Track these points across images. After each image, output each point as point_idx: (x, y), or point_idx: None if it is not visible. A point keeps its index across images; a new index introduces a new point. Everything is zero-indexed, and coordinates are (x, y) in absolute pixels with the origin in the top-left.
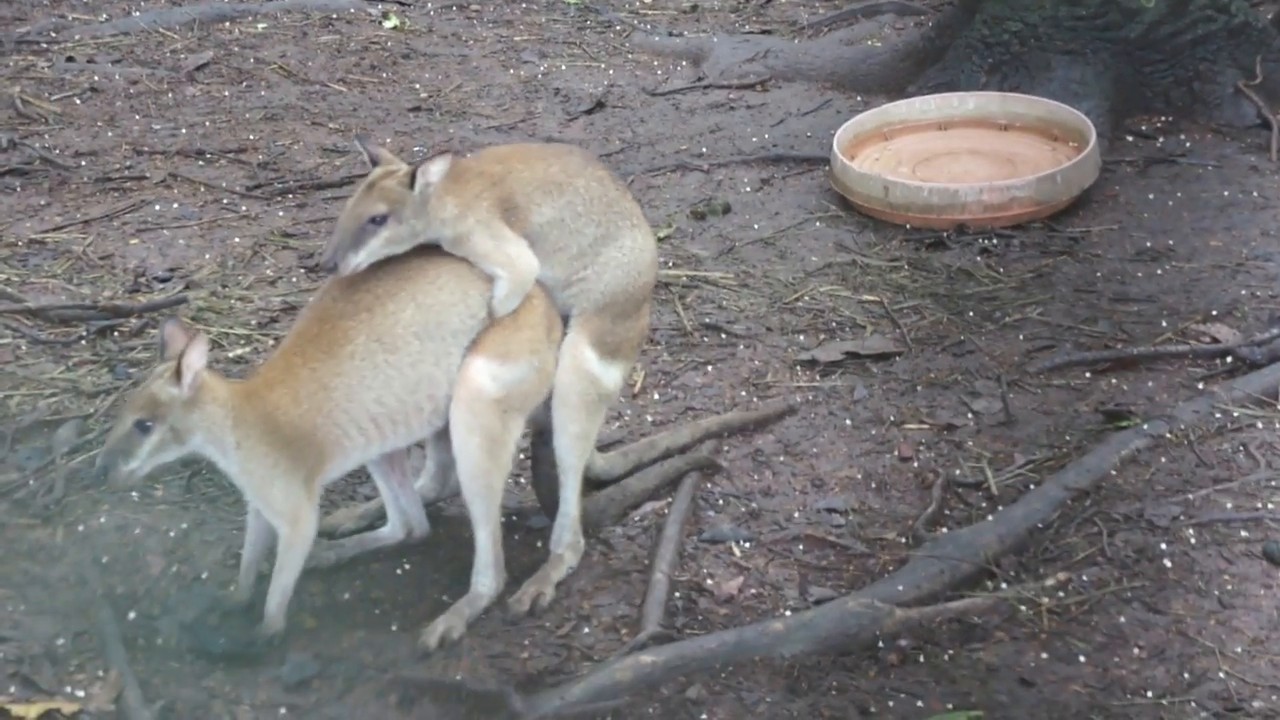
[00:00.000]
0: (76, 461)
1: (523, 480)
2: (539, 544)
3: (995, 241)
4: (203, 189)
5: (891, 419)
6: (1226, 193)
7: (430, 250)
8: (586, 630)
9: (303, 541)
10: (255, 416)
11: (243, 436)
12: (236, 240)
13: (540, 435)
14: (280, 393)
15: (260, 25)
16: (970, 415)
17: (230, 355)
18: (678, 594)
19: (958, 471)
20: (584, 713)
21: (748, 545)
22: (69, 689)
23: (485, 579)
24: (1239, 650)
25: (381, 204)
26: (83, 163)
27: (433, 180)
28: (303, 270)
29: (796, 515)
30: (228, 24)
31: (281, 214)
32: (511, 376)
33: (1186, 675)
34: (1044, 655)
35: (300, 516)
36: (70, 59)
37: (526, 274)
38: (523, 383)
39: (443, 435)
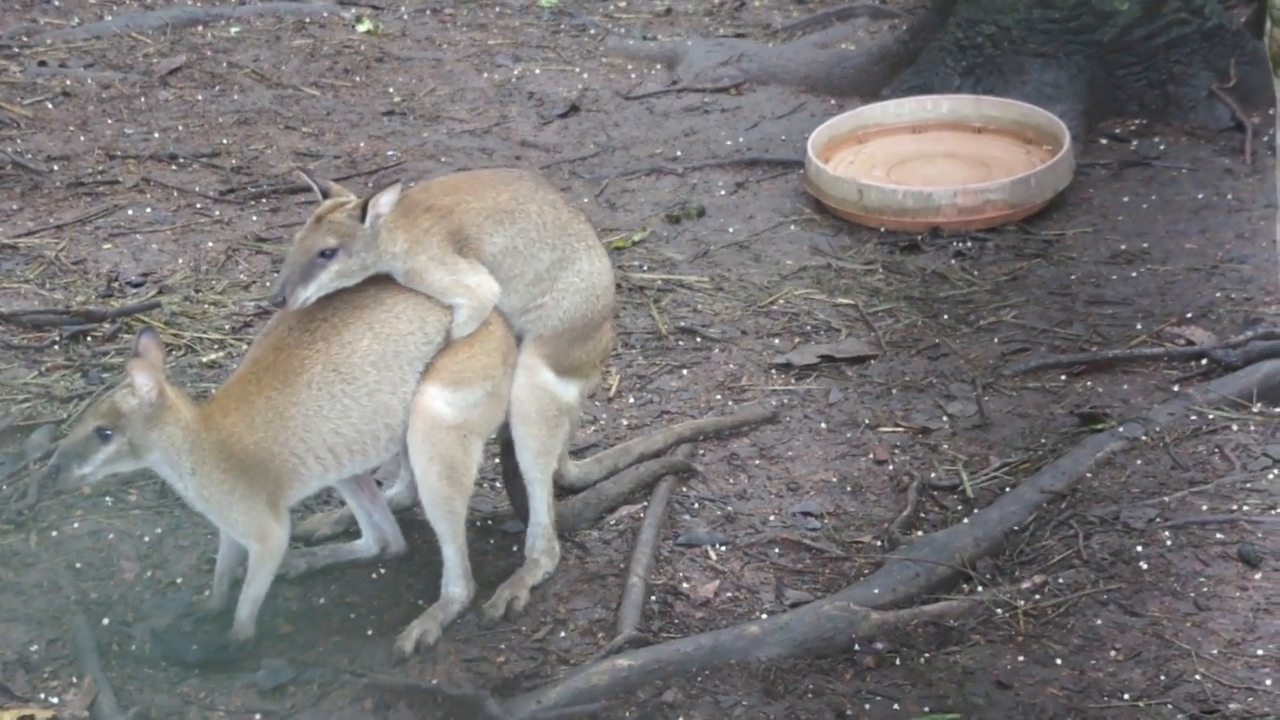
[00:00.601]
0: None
1: (498, 485)
2: (515, 548)
3: (970, 244)
4: (175, 193)
5: (867, 422)
6: (1201, 195)
7: (386, 278)
8: (563, 634)
9: (272, 556)
10: (211, 443)
11: (198, 462)
12: (210, 245)
13: (508, 446)
14: (235, 420)
15: (233, 29)
16: (945, 418)
17: (204, 360)
18: (654, 598)
19: (933, 475)
20: (560, 717)
21: (723, 549)
22: (43, 695)
23: (456, 587)
24: (1215, 652)
25: (331, 237)
26: (55, 167)
27: (383, 212)
28: (276, 275)
29: (772, 519)
30: (200, 28)
31: (255, 218)
32: (466, 402)
33: (1163, 677)
34: (1020, 658)
35: (268, 533)
36: (42, 63)
37: (487, 300)
38: (478, 407)
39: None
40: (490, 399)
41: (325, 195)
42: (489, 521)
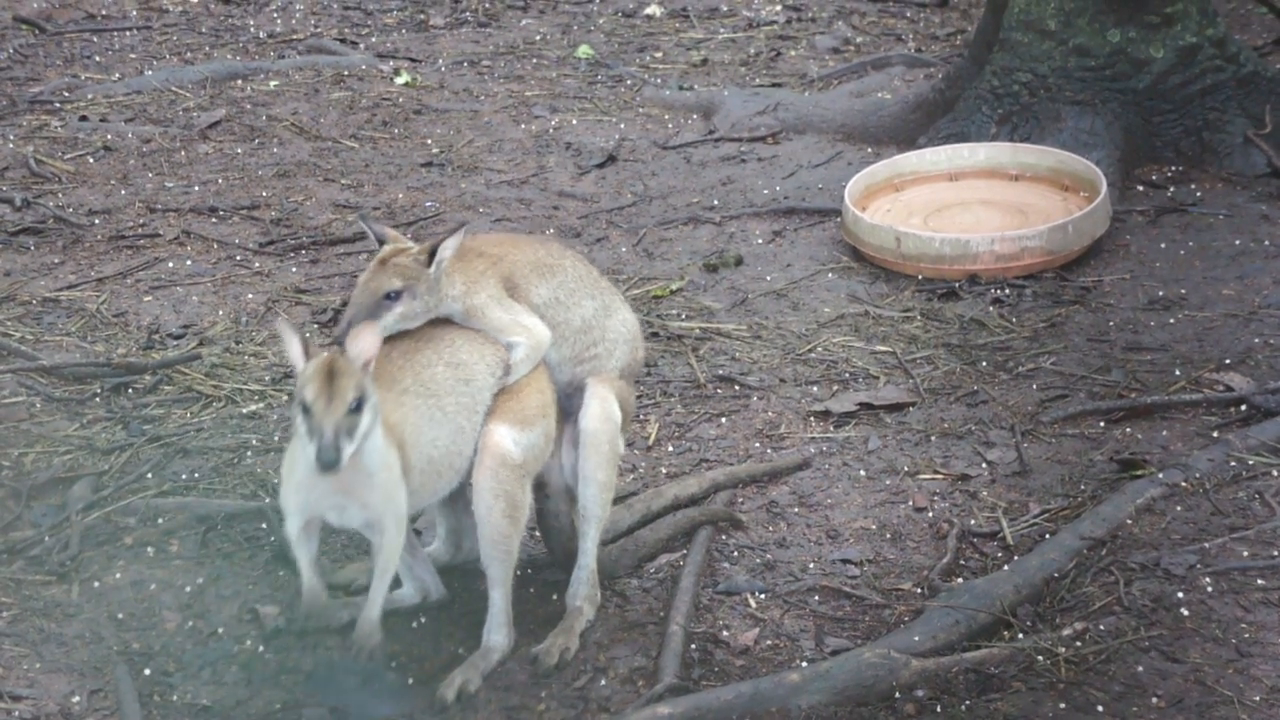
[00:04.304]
0: (92, 518)
1: (536, 534)
2: (554, 596)
3: (1007, 291)
4: (216, 246)
5: (906, 469)
6: (1238, 241)
7: (434, 321)
8: (603, 682)
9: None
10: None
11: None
12: (250, 296)
13: (540, 490)
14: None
15: (272, 83)
16: (985, 465)
17: (245, 411)
18: (694, 645)
19: (973, 521)
20: None
21: (763, 596)
22: None
23: (499, 635)
24: (1257, 699)
25: (397, 279)
26: (96, 221)
27: (447, 256)
28: (316, 325)
29: (812, 566)
30: (239, 82)
31: (294, 270)
32: (530, 441)
33: None
34: (1062, 705)
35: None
36: (83, 118)
37: (543, 340)
38: (536, 446)
39: (451, 501)
40: (544, 438)
41: (381, 241)
42: (528, 570)
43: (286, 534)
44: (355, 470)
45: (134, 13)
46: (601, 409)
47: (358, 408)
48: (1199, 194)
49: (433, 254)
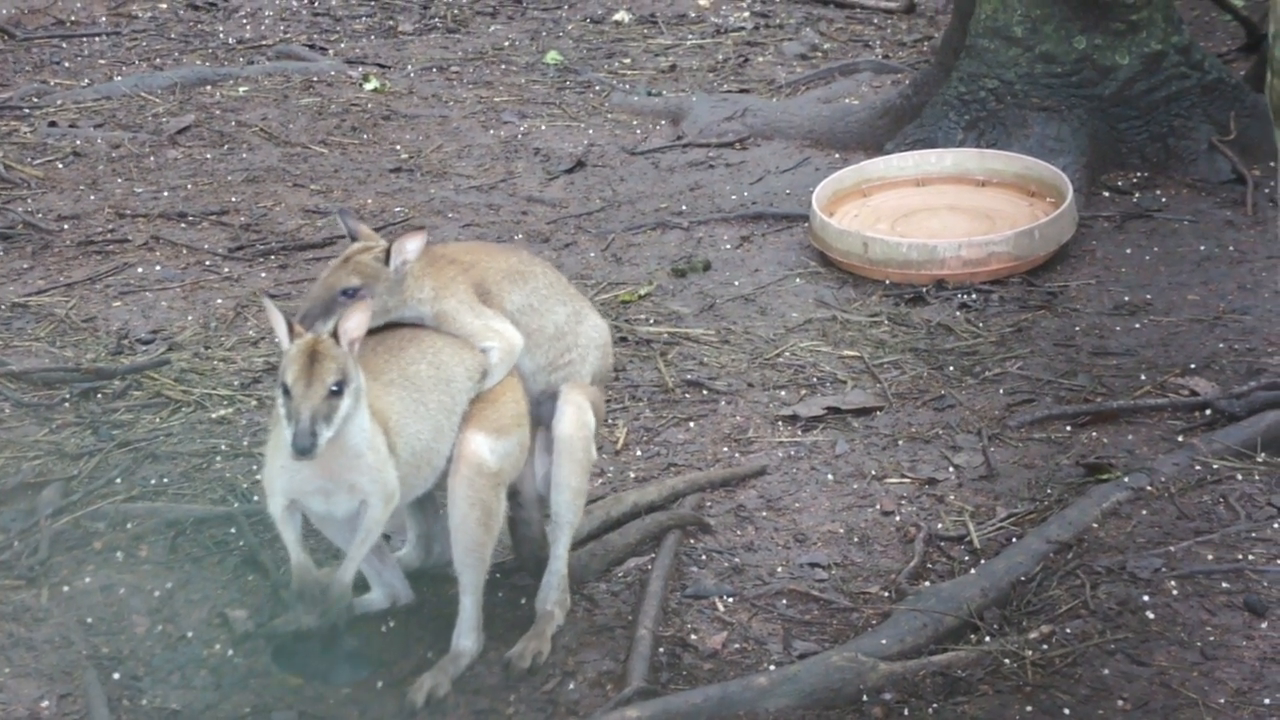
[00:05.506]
0: (61, 523)
1: (506, 540)
2: (523, 601)
3: (974, 296)
4: (185, 251)
5: (873, 473)
6: (1203, 247)
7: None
8: (571, 686)
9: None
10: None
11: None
12: (219, 301)
13: (513, 498)
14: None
15: (241, 89)
16: (951, 469)
17: (214, 416)
18: (662, 649)
19: (940, 525)
20: None
21: (731, 600)
22: None
23: (468, 640)
24: (1222, 701)
25: (355, 278)
26: (65, 226)
27: (409, 257)
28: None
29: (779, 570)
30: (209, 88)
31: (264, 275)
32: (505, 450)
33: None
34: (1028, 708)
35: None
36: (53, 124)
37: (515, 345)
38: (511, 455)
39: (422, 505)
40: (520, 447)
41: (354, 238)
42: (496, 575)
43: (270, 513)
44: (340, 453)
45: (103, 19)
46: (576, 416)
47: (339, 390)
48: (1164, 200)
49: (389, 253)
